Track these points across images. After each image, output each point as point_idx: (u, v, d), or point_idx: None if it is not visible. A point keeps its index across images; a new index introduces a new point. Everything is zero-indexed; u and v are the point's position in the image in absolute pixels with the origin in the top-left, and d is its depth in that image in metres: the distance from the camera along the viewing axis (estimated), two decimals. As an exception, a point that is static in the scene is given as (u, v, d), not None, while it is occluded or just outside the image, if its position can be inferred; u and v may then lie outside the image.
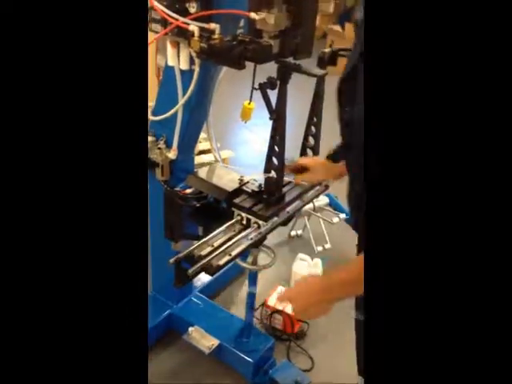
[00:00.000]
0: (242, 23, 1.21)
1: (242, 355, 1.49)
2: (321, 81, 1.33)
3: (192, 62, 1.21)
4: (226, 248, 1.16)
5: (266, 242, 1.80)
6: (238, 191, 1.33)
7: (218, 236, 1.22)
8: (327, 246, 2.17)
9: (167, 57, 1.25)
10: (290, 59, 1.20)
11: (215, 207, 1.40)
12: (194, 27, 1.01)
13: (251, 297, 1.46)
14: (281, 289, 1.85)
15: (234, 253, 1.16)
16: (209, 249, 1.16)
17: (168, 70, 1.28)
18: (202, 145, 2.52)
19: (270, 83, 1.20)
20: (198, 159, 2.59)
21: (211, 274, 1.13)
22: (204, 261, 1.10)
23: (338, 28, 5.31)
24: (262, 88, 1.20)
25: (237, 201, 1.30)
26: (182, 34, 1.09)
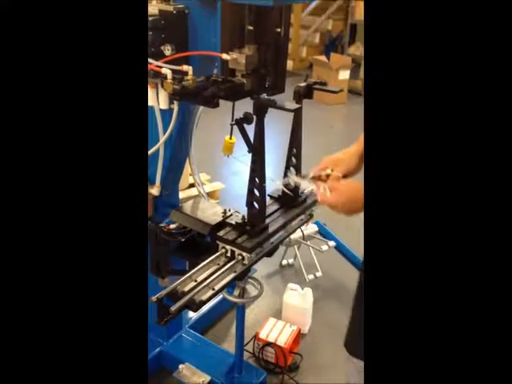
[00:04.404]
0: (217, 63, 1.27)
1: (234, 391, 1.47)
2: (297, 114, 1.37)
3: (171, 101, 1.26)
4: (210, 282, 1.16)
5: (257, 273, 1.79)
6: (222, 224, 1.35)
7: (202, 270, 1.22)
8: (318, 274, 2.16)
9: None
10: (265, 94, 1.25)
11: (200, 241, 1.41)
12: (166, 70, 1.05)
13: (240, 330, 1.45)
14: (273, 321, 1.83)
15: (217, 287, 1.16)
16: (192, 284, 1.16)
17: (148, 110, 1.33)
18: (192, 178, 2.56)
19: (246, 118, 1.24)
20: (187, 192, 2.63)
21: (194, 310, 1.13)
22: (187, 297, 1.10)
23: (323, 58, 5.48)
24: (239, 123, 1.24)
25: (220, 233, 1.31)
26: (159, 76, 1.14)
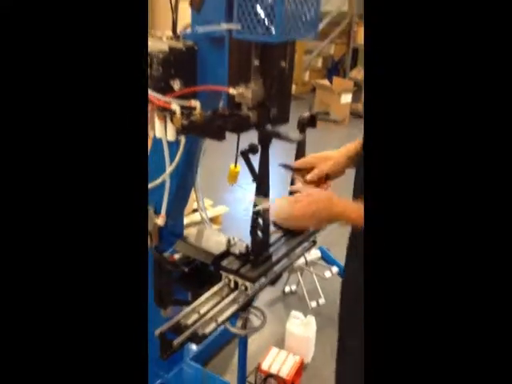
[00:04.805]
0: (224, 96, 1.29)
1: (235, 425, 1.43)
2: (301, 144, 1.39)
3: (179, 133, 1.27)
4: (213, 314, 1.15)
5: (259, 300, 1.76)
6: (226, 254, 1.35)
7: (205, 302, 1.21)
8: (321, 300, 2.14)
9: (155, 129, 1.32)
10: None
11: (204, 270, 1.40)
12: (175, 106, 1.07)
13: (242, 362, 1.42)
14: (276, 350, 1.80)
15: (220, 319, 1.15)
16: (195, 316, 1.15)
17: (156, 141, 1.35)
18: (196, 203, 2.57)
19: (251, 149, 1.26)
20: (191, 217, 2.63)
21: (197, 343, 1.12)
22: (189, 330, 1.09)
23: (326, 82, 5.56)
24: (245, 154, 1.26)
25: (224, 263, 1.31)
26: (167, 110, 1.16)
